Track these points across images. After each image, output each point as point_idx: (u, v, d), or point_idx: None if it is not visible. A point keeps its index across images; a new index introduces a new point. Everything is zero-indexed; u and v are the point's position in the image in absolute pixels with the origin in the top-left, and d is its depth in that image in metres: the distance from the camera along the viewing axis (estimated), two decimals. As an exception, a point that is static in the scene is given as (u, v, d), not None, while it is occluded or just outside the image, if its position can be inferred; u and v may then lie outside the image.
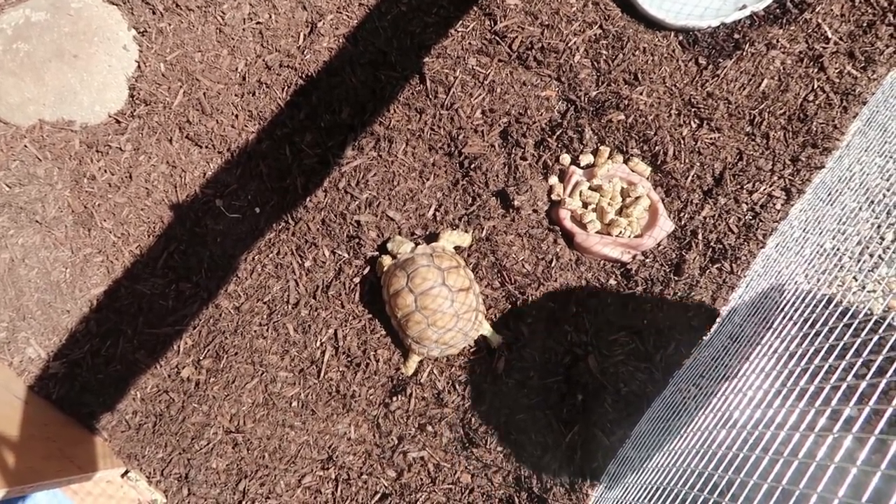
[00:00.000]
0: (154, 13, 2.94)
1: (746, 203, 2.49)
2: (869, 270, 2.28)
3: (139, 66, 2.93)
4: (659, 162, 2.57)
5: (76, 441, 2.58)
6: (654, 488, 1.66)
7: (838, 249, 2.24)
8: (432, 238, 2.56)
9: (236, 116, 2.91)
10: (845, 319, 1.41)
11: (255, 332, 2.65)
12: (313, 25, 2.91)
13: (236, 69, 2.92)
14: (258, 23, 2.92)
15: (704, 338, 2.37)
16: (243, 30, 2.93)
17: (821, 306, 1.63)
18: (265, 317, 2.67)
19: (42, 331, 2.79)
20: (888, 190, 2.25)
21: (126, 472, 2.66)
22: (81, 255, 2.85)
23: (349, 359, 2.58)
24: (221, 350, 2.66)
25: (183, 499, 2.60)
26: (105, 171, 2.90)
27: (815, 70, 2.54)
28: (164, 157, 2.91)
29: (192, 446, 2.62)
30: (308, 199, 2.69)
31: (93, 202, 2.87)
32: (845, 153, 2.47)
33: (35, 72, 2.82)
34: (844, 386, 1.21)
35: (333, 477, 2.53)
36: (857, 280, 2.31)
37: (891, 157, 2.32)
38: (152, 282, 2.82)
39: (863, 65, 2.51)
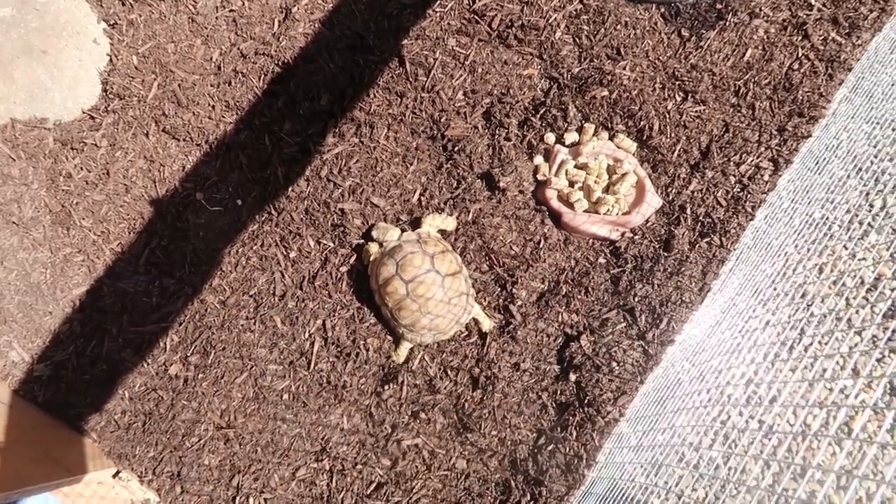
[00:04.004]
0: (124, 4, 2.86)
1: (734, 175, 2.46)
2: (859, 238, 2.26)
3: (111, 60, 2.85)
4: (644, 137, 2.53)
5: (64, 443, 2.54)
6: (650, 466, 1.64)
7: (827, 219, 2.22)
8: (417, 224, 2.52)
9: (213, 107, 2.84)
10: (837, 288, 1.39)
11: (242, 326, 2.61)
12: (288, 11, 2.84)
13: (211, 59, 2.86)
14: (231, 10, 2.85)
15: (696, 313, 2.35)
16: (216, 18, 2.85)
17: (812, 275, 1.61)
18: (252, 310, 2.62)
19: (24, 334, 2.73)
20: (875, 157, 2.23)
21: (117, 472, 2.62)
22: (61, 255, 2.79)
23: (339, 349, 2.55)
24: (209, 345, 2.61)
25: (176, 497, 2.57)
26: (81, 169, 2.83)
27: (800, 38, 2.51)
28: (142, 151, 2.85)
29: (184, 443, 2.58)
30: (290, 189, 2.64)
31: (70, 201, 2.81)
32: (832, 121, 2.44)
33: (3, 69, 2.74)
34: (837, 356, 1.19)
35: (328, 468, 2.51)
36: (847, 248, 2.29)
37: (878, 124, 2.30)
38: (135, 279, 2.77)
39: (847, 31, 2.48)
